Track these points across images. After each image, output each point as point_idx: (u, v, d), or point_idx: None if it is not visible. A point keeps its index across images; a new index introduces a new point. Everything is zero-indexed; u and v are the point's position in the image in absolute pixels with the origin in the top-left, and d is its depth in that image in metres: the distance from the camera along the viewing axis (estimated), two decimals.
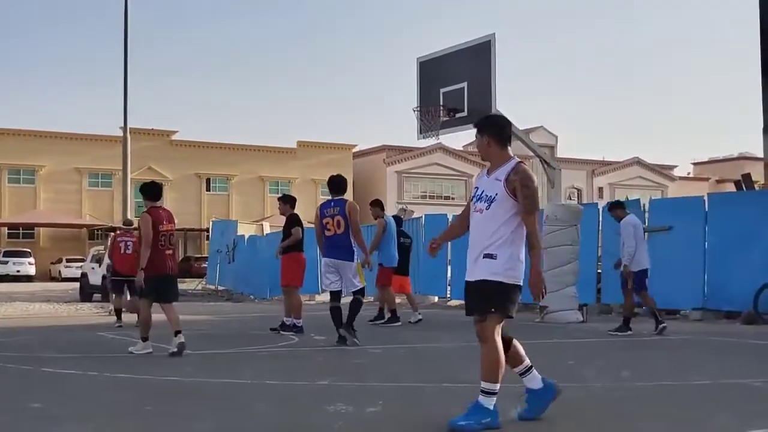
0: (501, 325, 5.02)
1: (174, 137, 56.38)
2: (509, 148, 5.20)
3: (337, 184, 10.11)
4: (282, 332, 11.27)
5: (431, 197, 64.27)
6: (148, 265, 8.88)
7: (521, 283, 5.01)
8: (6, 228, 50.38)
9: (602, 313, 15.55)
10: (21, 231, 51.18)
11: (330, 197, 10.09)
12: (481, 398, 4.87)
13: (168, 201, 55.48)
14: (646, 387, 6.68)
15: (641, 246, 11.44)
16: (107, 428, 5.12)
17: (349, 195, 8.58)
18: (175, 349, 8.75)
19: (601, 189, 72.45)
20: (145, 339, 9.11)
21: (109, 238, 13.85)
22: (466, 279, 5.14)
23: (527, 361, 5.22)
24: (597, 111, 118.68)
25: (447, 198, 65.25)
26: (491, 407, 4.85)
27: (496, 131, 5.17)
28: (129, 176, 21.08)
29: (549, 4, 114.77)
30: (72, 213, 51.90)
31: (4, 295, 26.04)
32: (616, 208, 11.92)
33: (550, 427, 5.11)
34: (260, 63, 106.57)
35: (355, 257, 9.79)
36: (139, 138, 47.55)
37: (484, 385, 4.90)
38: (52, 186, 51.71)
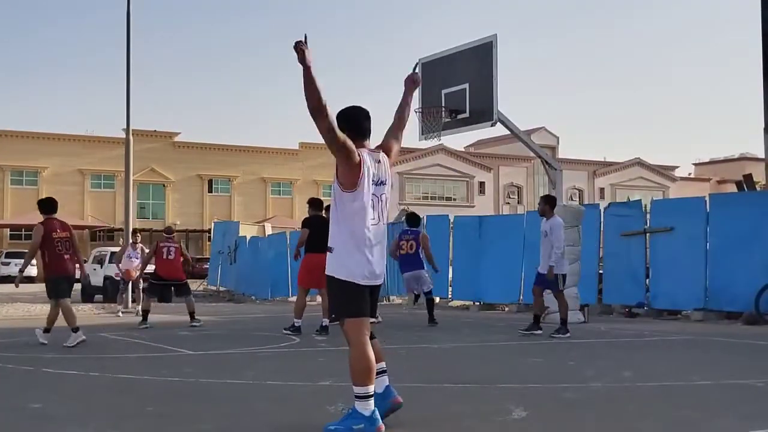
0: (361, 324, 4.68)
1: (176, 139, 56.41)
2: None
3: (414, 219, 14.18)
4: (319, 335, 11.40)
5: (433, 198, 64.28)
6: (49, 268, 10.29)
7: (356, 281, 4.66)
8: (8, 229, 50.43)
9: (603, 314, 15.56)
10: (23, 232, 51.15)
11: (407, 227, 13.95)
12: (356, 404, 4.56)
13: (170, 202, 55.60)
14: (646, 387, 6.68)
15: (564, 248, 11.40)
16: (108, 429, 5.13)
17: None
18: (70, 344, 9.86)
19: (602, 190, 72.42)
20: (75, 330, 10.11)
21: (150, 245, 15.45)
22: None
23: (383, 364, 4.96)
24: (598, 112, 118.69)
25: (449, 199, 65.27)
26: (367, 412, 4.52)
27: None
28: (131, 178, 21.05)
29: (551, 4, 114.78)
30: (74, 214, 51.88)
31: (6, 296, 26.03)
32: (549, 202, 11.52)
33: (549, 427, 5.11)
34: (262, 63, 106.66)
35: (425, 266, 13.53)
36: (142, 140, 47.63)
37: (355, 389, 4.59)
38: (54, 187, 51.67)
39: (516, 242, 17.31)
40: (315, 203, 12.52)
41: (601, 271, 16.26)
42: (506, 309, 17.47)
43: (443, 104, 15.23)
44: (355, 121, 4.80)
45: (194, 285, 32.47)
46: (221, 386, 6.83)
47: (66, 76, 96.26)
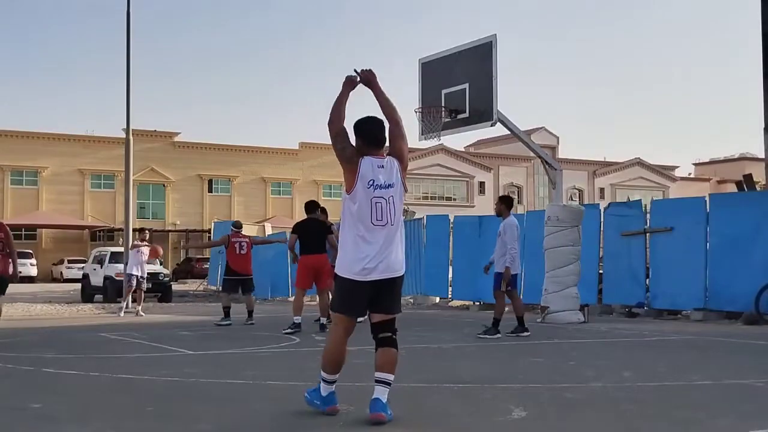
0: (342, 319, 5.31)
1: (176, 139, 56.41)
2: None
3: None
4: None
5: (433, 198, 64.30)
6: None
7: (349, 276, 5.17)
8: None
9: (603, 314, 15.56)
10: (23, 232, 51.17)
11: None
12: (321, 384, 5.32)
13: (170, 202, 55.62)
14: (646, 387, 6.68)
15: (518, 248, 11.42)
16: (108, 429, 5.12)
17: None
18: None
19: (602, 190, 72.47)
20: None
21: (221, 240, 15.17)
22: None
23: (385, 375, 5.21)
24: (598, 112, 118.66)
25: (449, 199, 65.31)
26: (325, 393, 5.28)
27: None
28: (131, 178, 21.04)
29: (550, 4, 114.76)
30: (74, 214, 51.94)
31: (6, 296, 26.00)
32: (504, 203, 11.56)
33: (550, 426, 5.11)
34: (262, 64, 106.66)
35: None
36: (142, 139, 47.63)
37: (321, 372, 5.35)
38: (54, 187, 51.75)
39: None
40: (309, 206, 12.53)
41: (601, 271, 16.27)
42: (506, 309, 17.45)
43: (443, 104, 15.21)
44: (366, 130, 5.26)
45: (194, 285, 32.62)
46: (221, 386, 6.83)
47: (66, 76, 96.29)
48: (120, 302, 18.13)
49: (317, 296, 12.77)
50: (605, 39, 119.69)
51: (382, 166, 5.19)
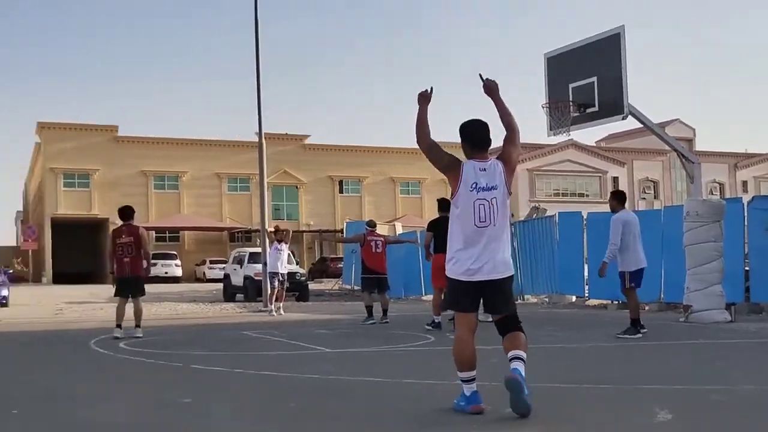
0: (461, 318, 5.45)
1: (306, 141, 57.73)
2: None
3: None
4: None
5: (564, 194, 63.07)
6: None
7: (456, 277, 5.39)
8: (154, 232, 53.10)
9: (752, 313, 14.81)
10: (167, 234, 53.73)
11: None
12: (463, 386, 5.37)
13: (303, 203, 57.01)
14: None
15: (637, 245, 10.83)
16: (253, 423, 5.32)
17: None
18: None
19: (745, 183, 69.08)
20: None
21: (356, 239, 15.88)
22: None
23: (517, 352, 5.32)
24: (737, 102, 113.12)
25: (581, 195, 63.85)
26: (468, 393, 5.32)
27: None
28: (265, 180, 21.69)
29: None
30: (213, 216, 54.05)
31: (154, 296, 27.35)
32: (616, 198, 11.11)
33: (697, 430, 4.92)
34: (377, 62, 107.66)
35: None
36: (274, 143, 48.98)
37: (458, 372, 5.41)
38: (194, 191, 54.00)
39: (654, 238, 16.69)
40: (443, 204, 12.54)
41: (747, 268, 15.50)
42: (646, 308, 16.89)
43: (571, 98, 14.89)
44: (469, 134, 5.48)
45: (330, 284, 33.30)
46: (358, 384, 6.95)
47: (202, 85, 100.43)
48: (260, 300, 18.58)
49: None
50: (742, 27, 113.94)
51: (485, 169, 5.36)
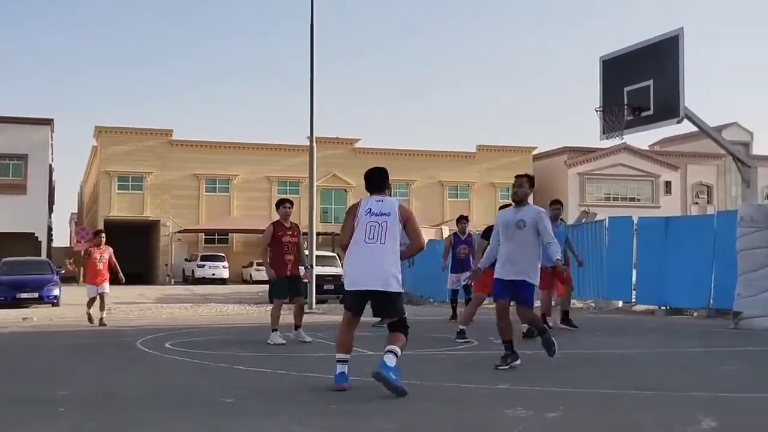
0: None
1: (357, 145, 57.95)
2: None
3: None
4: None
5: (615, 199, 62.25)
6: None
7: (346, 286, 6.87)
8: (203, 234, 53.74)
9: None
10: (216, 237, 54.37)
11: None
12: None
13: None
14: None
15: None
16: (294, 425, 5.34)
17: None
18: None
19: None
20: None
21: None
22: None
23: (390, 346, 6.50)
24: None
25: (632, 199, 62.94)
26: (337, 371, 6.72)
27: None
28: (315, 183, 21.84)
29: None
30: (262, 219, 54.48)
31: (201, 297, 27.74)
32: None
33: None
34: (441, 70, 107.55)
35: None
36: (324, 146, 49.31)
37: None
38: (244, 194, 54.57)
39: (706, 244, 16.42)
40: (485, 232, 12.39)
41: None
42: (695, 314, 16.60)
43: (625, 102, 14.72)
44: (369, 180, 7.26)
45: None
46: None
47: (254, 89, 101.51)
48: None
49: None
50: None
51: (381, 201, 6.97)
